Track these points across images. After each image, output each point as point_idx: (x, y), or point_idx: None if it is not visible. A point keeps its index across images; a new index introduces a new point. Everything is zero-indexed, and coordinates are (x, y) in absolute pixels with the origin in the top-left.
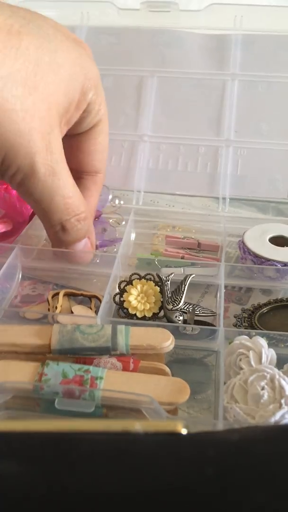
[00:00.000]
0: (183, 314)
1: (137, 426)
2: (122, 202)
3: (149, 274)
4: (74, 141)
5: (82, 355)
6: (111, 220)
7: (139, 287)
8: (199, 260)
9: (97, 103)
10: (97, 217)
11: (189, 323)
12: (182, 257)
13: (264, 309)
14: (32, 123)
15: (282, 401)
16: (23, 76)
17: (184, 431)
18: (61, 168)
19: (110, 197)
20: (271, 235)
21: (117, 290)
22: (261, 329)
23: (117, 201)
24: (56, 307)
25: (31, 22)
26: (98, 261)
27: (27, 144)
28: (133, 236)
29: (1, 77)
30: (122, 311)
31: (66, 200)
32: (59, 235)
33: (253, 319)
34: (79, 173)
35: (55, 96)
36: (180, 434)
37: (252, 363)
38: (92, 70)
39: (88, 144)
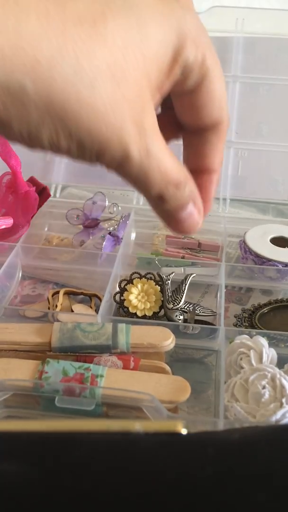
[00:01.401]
0: (184, 313)
1: (137, 426)
2: (120, 208)
3: (149, 273)
4: (184, 97)
5: (82, 353)
6: (110, 228)
7: (139, 286)
8: (199, 260)
9: (199, 56)
10: (96, 225)
11: (189, 323)
12: (183, 257)
13: (265, 309)
14: (122, 113)
15: (283, 400)
16: (112, 67)
17: (184, 431)
18: (155, 146)
19: (107, 204)
20: (272, 236)
21: (118, 289)
22: (262, 329)
23: (114, 209)
24: (56, 306)
25: None
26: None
27: (119, 135)
28: (133, 235)
29: (90, 72)
30: (122, 310)
31: (162, 174)
32: (161, 206)
33: (254, 319)
34: (197, 128)
35: (146, 76)
36: (180, 434)
37: (253, 362)
38: (186, 22)
39: (201, 96)
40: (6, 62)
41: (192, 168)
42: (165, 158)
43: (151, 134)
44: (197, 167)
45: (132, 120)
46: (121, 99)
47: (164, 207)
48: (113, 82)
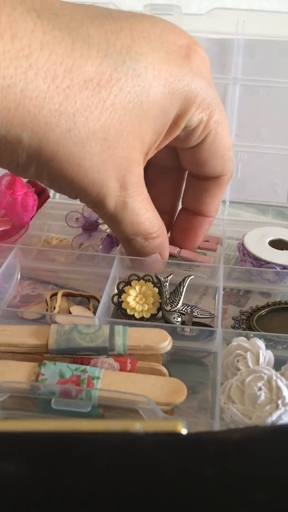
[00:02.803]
0: (181, 315)
1: (137, 426)
2: None
3: (147, 275)
4: (187, 151)
5: (79, 355)
6: (108, 230)
7: (137, 288)
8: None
9: (204, 117)
10: (95, 228)
11: (187, 325)
12: (179, 253)
13: (263, 312)
14: (106, 172)
15: (279, 402)
16: (105, 130)
17: (184, 431)
18: (134, 201)
19: None
20: (271, 239)
21: (116, 291)
22: (259, 331)
23: None
24: (54, 307)
25: (129, 54)
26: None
27: (99, 189)
28: None
29: (83, 133)
30: (120, 312)
31: (134, 225)
32: (127, 247)
33: (252, 321)
34: (201, 177)
35: (139, 139)
36: (180, 434)
37: (250, 364)
38: (195, 87)
39: (204, 152)
40: (9, 119)
41: (188, 208)
42: (141, 212)
43: (133, 190)
44: (193, 209)
45: (115, 178)
46: (108, 160)
47: (130, 249)
48: (103, 144)
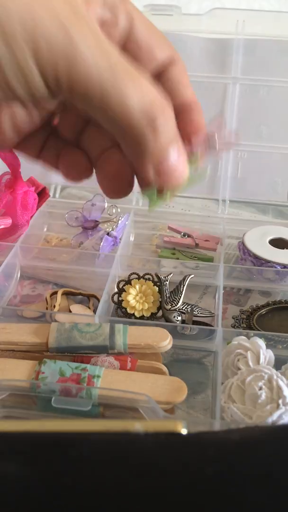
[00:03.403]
0: (182, 314)
1: (137, 426)
2: (119, 209)
3: (148, 274)
4: (130, 43)
5: (79, 353)
6: (109, 229)
7: (137, 286)
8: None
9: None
10: (94, 226)
11: (187, 323)
12: (173, 253)
13: (263, 311)
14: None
15: (280, 401)
16: None
17: (184, 431)
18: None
19: (106, 205)
20: (271, 237)
21: (116, 290)
22: (259, 330)
23: (113, 210)
24: (54, 306)
25: None
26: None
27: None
28: (132, 236)
29: None
30: (120, 311)
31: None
32: (140, 168)
33: (252, 321)
34: (158, 72)
35: None
36: (180, 434)
37: (250, 363)
38: None
39: (139, 41)
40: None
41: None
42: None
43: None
44: (175, 108)
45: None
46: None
47: (146, 166)
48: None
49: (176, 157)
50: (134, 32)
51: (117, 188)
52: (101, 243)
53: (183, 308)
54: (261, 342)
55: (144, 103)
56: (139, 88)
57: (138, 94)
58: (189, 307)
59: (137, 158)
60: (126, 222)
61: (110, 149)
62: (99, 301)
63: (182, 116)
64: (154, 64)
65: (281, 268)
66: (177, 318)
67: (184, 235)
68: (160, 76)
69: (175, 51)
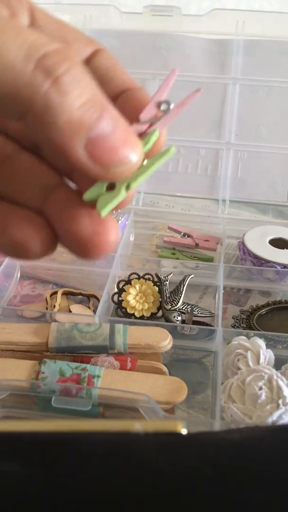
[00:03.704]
0: (182, 314)
1: (137, 426)
2: (119, 210)
3: (148, 274)
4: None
5: (79, 353)
6: None
7: (137, 286)
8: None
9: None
10: None
11: (187, 323)
12: (184, 235)
13: (263, 311)
14: None
15: (280, 401)
16: None
17: (184, 431)
18: None
19: None
20: (271, 237)
21: (116, 290)
22: (259, 330)
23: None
24: (54, 306)
25: None
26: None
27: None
28: (132, 236)
29: None
30: (120, 311)
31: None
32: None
33: (252, 321)
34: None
35: None
36: (180, 434)
37: (250, 363)
38: None
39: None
40: None
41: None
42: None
43: None
44: (111, 95)
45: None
46: None
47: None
48: None
49: (110, 128)
50: (39, 29)
51: (90, 247)
52: None
53: (183, 308)
54: (261, 342)
55: (29, 48)
56: (17, 35)
57: (18, 40)
58: (189, 307)
59: (52, 134)
60: (126, 222)
61: (53, 191)
62: (99, 301)
63: (121, 98)
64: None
65: (281, 268)
66: (177, 318)
67: (184, 235)
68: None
69: (97, 44)
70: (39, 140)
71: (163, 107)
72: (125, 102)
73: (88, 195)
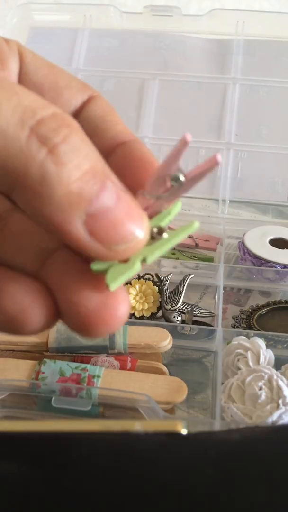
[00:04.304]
0: (182, 314)
1: (137, 426)
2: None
3: (148, 274)
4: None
5: (79, 353)
6: None
7: (137, 286)
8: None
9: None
10: None
11: (187, 323)
12: (173, 253)
13: (263, 311)
14: None
15: (280, 401)
16: None
17: (184, 431)
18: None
19: None
20: (271, 237)
21: None
22: (259, 330)
23: None
24: None
25: None
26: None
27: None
28: None
29: None
30: None
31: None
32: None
33: (252, 321)
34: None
35: None
36: (180, 434)
37: (250, 363)
38: None
39: (37, 83)
40: None
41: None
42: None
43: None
44: (103, 149)
45: None
46: None
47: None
48: None
49: (112, 201)
50: (29, 75)
51: (97, 321)
52: None
53: (183, 308)
54: (261, 342)
55: (23, 112)
56: (11, 95)
57: (12, 102)
58: (189, 307)
59: (47, 209)
60: None
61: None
62: None
63: (115, 154)
64: (68, 108)
65: (281, 268)
66: (177, 318)
67: None
68: (79, 120)
69: (91, 89)
70: (30, 216)
71: (173, 182)
72: (121, 159)
73: (97, 266)
